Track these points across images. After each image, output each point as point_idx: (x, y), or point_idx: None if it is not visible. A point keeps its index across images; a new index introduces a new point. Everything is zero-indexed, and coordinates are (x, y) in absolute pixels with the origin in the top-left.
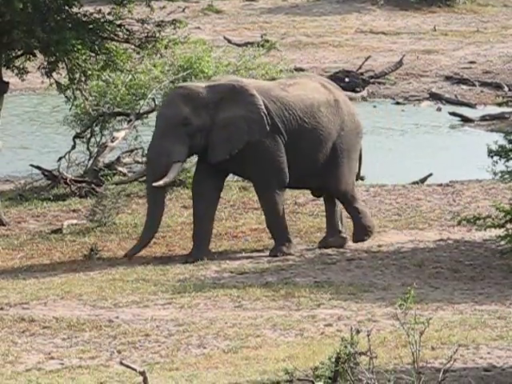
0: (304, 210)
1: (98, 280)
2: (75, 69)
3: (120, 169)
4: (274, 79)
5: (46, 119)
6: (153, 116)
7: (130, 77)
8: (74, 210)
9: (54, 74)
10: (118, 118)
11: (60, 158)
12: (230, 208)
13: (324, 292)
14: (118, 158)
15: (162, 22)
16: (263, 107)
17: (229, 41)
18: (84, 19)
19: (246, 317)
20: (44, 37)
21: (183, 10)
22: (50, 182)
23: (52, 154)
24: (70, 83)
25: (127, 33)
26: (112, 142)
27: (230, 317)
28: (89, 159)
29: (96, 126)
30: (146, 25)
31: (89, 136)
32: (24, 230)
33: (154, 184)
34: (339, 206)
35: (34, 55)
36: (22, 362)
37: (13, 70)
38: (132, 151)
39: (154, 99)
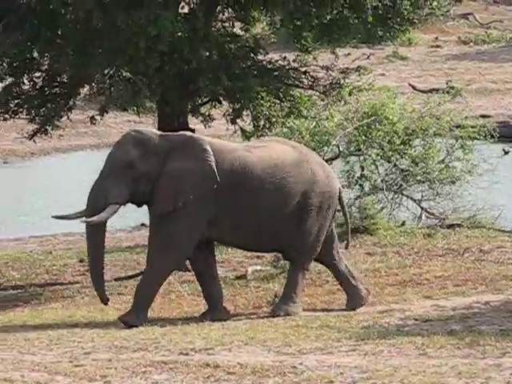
0: (489, 257)
1: (281, 326)
2: (260, 116)
3: None
4: (458, 126)
5: None
6: (336, 163)
7: (314, 123)
8: (258, 257)
9: (239, 121)
10: None
11: None
12: (415, 255)
13: (510, 340)
14: None
15: (347, 68)
16: (213, 164)
17: (413, 87)
18: (269, 66)
19: (430, 365)
20: (229, 84)
21: (368, 57)
22: None
23: None
24: (254, 130)
25: (312, 80)
26: None
27: (415, 364)
28: None
29: None
30: (330, 71)
31: None
32: None
33: (82, 220)
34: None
35: (220, 102)
36: None
37: (198, 117)
38: None
39: (338, 146)
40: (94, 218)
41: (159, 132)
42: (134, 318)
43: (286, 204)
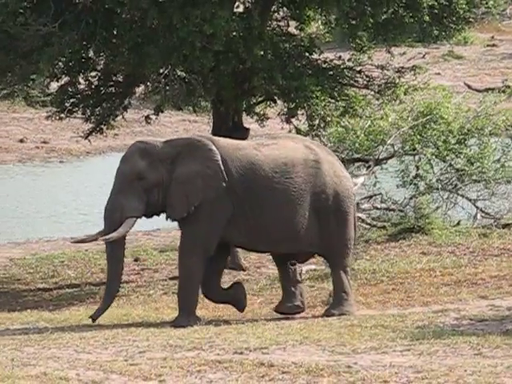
0: None
1: (336, 326)
2: (314, 115)
3: (359, 215)
4: None
5: None
6: (392, 162)
7: (369, 123)
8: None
9: (294, 120)
10: (357, 163)
11: None
12: (470, 255)
13: None
14: (357, 203)
15: (402, 68)
16: (220, 163)
17: (469, 86)
18: (324, 66)
19: (485, 364)
20: (284, 83)
21: (423, 56)
22: None
23: None
24: (309, 129)
25: (367, 79)
26: None
27: (470, 364)
28: None
29: None
30: (385, 71)
31: None
32: (263, 275)
33: (101, 238)
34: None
35: (274, 101)
36: None
37: (253, 117)
38: (371, 197)
39: (393, 145)
40: (113, 234)
41: (163, 139)
42: (184, 320)
43: (296, 205)
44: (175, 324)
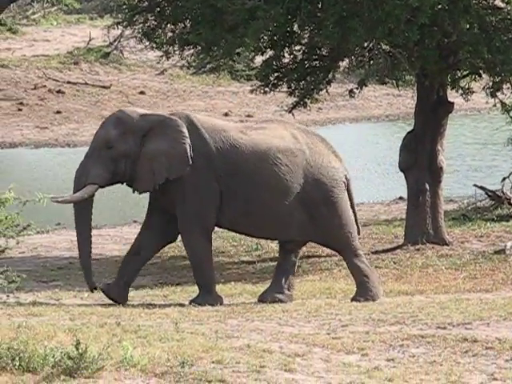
0: None
1: None
2: None
3: None
4: None
5: (489, 140)
6: None
7: None
8: None
9: (499, 94)
10: None
11: (504, 179)
12: None
13: None
14: None
15: None
16: (187, 146)
17: None
18: None
19: None
20: (489, 57)
21: None
22: (493, 202)
23: (496, 174)
24: None
25: None
26: None
27: None
28: None
29: None
30: None
31: None
32: (467, 250)
33: (53, 200)
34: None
35: (479, 75)
36: (464, 383)
37: (457, 91)
38: None
39: None
40: (66, 198)
41: (143, 112)
42: (202, 300)
43: (277, 191)
44: (195, 302)
